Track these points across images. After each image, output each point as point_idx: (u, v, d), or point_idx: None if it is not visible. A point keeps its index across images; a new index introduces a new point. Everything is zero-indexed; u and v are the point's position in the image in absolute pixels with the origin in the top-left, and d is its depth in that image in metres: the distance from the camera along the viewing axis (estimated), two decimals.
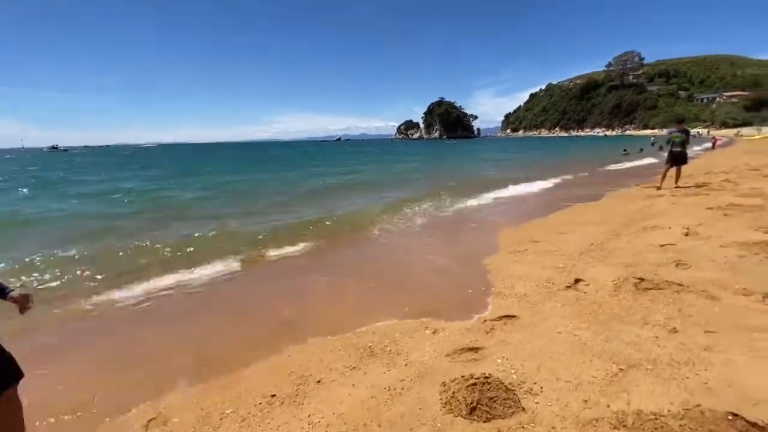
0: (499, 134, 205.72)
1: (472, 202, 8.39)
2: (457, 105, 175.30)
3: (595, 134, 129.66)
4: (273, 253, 5.05)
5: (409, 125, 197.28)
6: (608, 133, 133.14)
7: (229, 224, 6.90)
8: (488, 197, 9.00)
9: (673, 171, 8.12)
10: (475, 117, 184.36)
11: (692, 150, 28.06)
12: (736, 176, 8.75)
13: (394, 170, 19.81)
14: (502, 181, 11.47)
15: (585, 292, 2.97)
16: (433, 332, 2.59)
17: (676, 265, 3.19)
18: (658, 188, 8.05)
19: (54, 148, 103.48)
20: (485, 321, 2.66)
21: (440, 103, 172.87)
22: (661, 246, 3.77)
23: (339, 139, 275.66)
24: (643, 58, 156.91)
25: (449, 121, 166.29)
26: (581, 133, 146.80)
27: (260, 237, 5.82)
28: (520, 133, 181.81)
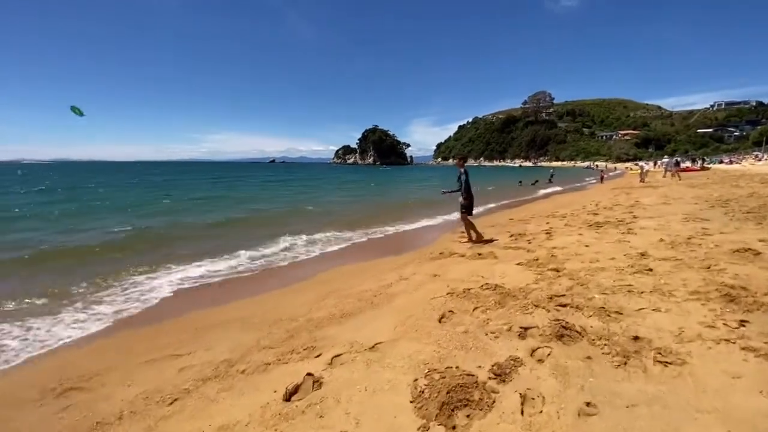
0: (431, 162, 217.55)
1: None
2: (391, 133, 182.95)
3: (513, 165, 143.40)
4: None
5: (347, 150, 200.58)
6: (523, 163, 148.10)
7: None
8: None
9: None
10: (408, 145, 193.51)
11: (582, 182, 33.25)
12: (558, 224, 8.63)
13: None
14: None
15: None
16: None
17: None
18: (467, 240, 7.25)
19: None
20: None
21: (374, 130, 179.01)
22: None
23: (273, 161, 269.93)
24: (553, 98, 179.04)
25: (383, 147, 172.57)
26: (502, 164, 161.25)
27: None
28: (450, 161, 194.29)
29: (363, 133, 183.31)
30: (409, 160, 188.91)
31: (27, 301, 4.91)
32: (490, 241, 7.43)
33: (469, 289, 4.31)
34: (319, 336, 3.45)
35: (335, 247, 8.47)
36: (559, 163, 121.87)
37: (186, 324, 4.31)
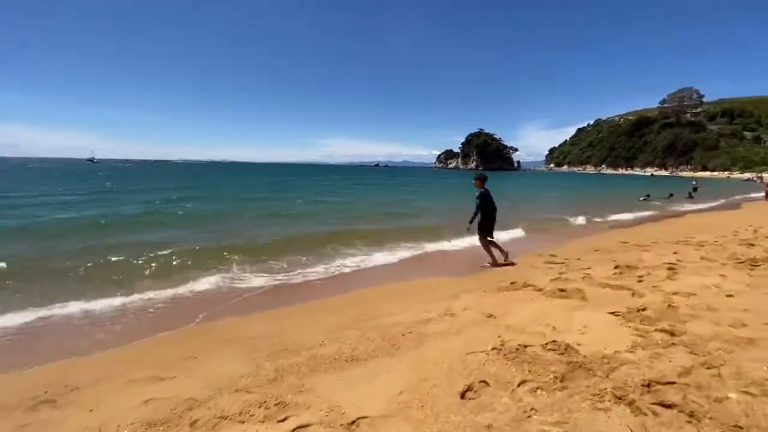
0: (541, 168, 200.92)
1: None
2: (497, 137, 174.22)
3: (643, 174, 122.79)
4: None
5: (449, 154, 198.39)
6: (656, 172, 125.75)
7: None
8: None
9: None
10: (515, 149, 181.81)
11: (737, 198, 25.95)
12: (690, 255, 6.56)
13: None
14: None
15: None
16: None
17: None
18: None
19: (90, 160, 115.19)
20: None
21: (479, 134, 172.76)
22: None
23: (377, 165, 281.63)
24: (703, 96, 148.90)
25: (487, 152, 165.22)
26: (629, 172, 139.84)
27: None
28: (564, 168, 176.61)
29: (466, 137, 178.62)
30: (515, 165, 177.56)
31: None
32: (510, 264, 5.91)
33: (525, 347, 3.14)
34: (305, 386, 2.76)
35: (394, 258, 7.68)
36: (706, 174, 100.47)
37: (205, 334, 4.06)
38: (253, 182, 38.98)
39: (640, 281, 5.17)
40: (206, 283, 5.84)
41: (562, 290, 4.90)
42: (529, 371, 2.74)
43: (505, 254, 6.95)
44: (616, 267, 6.10)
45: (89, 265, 6.56)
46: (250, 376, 2.98)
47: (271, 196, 23.51)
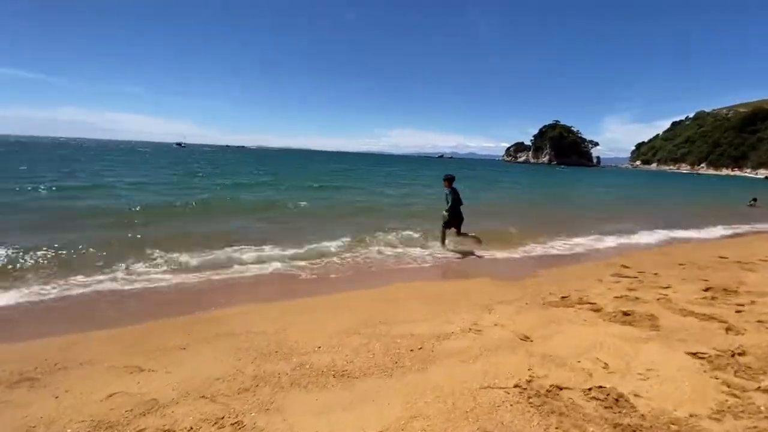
0: (625, 165, 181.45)
1: None
2: (574, 129, 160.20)
3: (754, 176, 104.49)
4: None
5: (519, 147, 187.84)
6: None
7: None
8: None
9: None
10: (595, 144, 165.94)
11: None
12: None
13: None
14: None
15: None
16: None
17: None
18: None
19: (179, 144, 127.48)
20: None
21: (554, 125, 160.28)
22: None
23: (442, 156, 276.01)
24: None
25: (562, 145, 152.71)
26: (735, 173, 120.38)
27: None
28: (653, 166, 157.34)
29: (540, 129, 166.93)
30: (594, 161, 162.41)
31: None
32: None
33: (559, 389, 2.42)
34: (274, 404, 2.35)
35: (440, 255, 7.01)
36: None
37: (211, 323, 3.86)
38: (324, 169, 39.47)
39: (739, 312, 3.99)
40: (254, 269, 5.79)
41: (626, 313, 3.95)
42: (557, 428, 2.03)
43: (477, 242, 7.63)
44: (706, 289, 4.87)
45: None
46: (225, 380, 2.65)
47: (346, 184, 23.32)
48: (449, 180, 7.58)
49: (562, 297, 4.64)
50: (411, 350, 3.11)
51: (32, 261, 5.52)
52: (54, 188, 13.58)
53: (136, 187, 15.62)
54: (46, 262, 5.55)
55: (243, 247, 6.74)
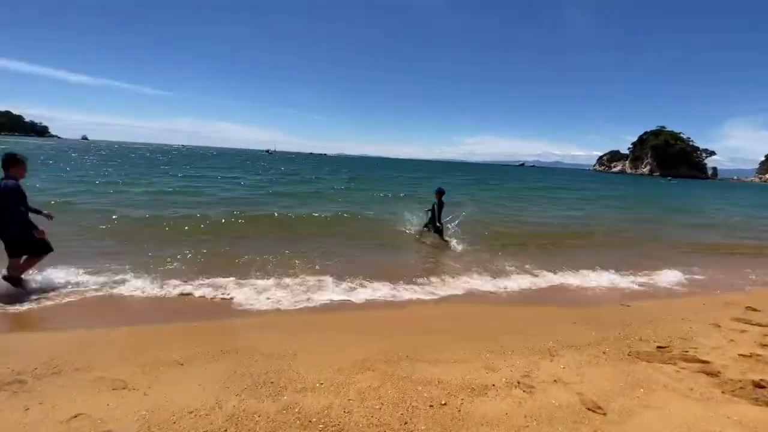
0: (751, 179, 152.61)
1: None
2: (684, 136, 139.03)
3: None
4: None
5: (613, 156, 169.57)
6: None
7: None
8: None
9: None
10: (711, 153, 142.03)
11: None
12: None
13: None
14: None
15: None
16: None
17: None
18: None
19: (267, 151, 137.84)
20: None
21: (657, 132, 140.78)
22: None
23: (522, 164, 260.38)
24: None
25: (668, 154, 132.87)
26: None
27: None
28: None
29: (640, 136, 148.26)
30: (709, 173, 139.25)
31: None
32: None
33: None
34: None
35: (509, 281, 5.98)
36: None
37: (229, 334, 3.55)
38: (402, 177, 37.64)
39: None
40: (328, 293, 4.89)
41: (760, 385, 2.73)
42: None
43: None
44: None
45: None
46: (197, 415, 2.23)
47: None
48: (440, 193, 8.16)
49: (659, 347, 3.48)
50: (431, 405, 2.39)
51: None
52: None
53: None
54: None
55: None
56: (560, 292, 5.57)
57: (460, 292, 5.25)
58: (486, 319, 4.23)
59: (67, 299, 4.24)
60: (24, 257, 4.35)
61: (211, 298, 4.50)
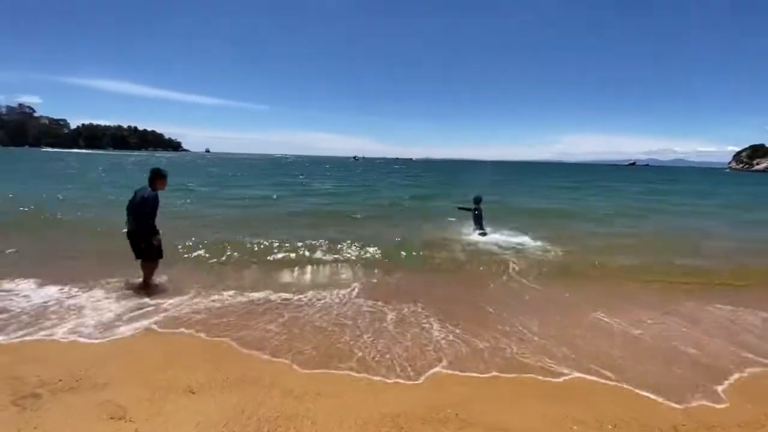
0: None
1: None
2: None
3: None
4: None
5: (756, 151, 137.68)
6: None
7: None
8: None
9: None
10: None
11: None
12: None
13: None
14: None
15: None
16: None
17: None
18: None
19: (355, 158, 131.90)
20: None
21: None
22: None
23: (633, 164, 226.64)
24: None
25: None
26: None
27: None
28: None
29: None
30: None
31: None
32: None
33: None
34: None
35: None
36: None
37: (248, 360, 3.20)
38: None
39: None
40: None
41: None
42: None
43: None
44: None
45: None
46: None
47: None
48: (477, 201, 8.53)
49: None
50: None
51: None
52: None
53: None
54: None
55: None
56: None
57: None
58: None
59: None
60: (140, 261, 4.61)
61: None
